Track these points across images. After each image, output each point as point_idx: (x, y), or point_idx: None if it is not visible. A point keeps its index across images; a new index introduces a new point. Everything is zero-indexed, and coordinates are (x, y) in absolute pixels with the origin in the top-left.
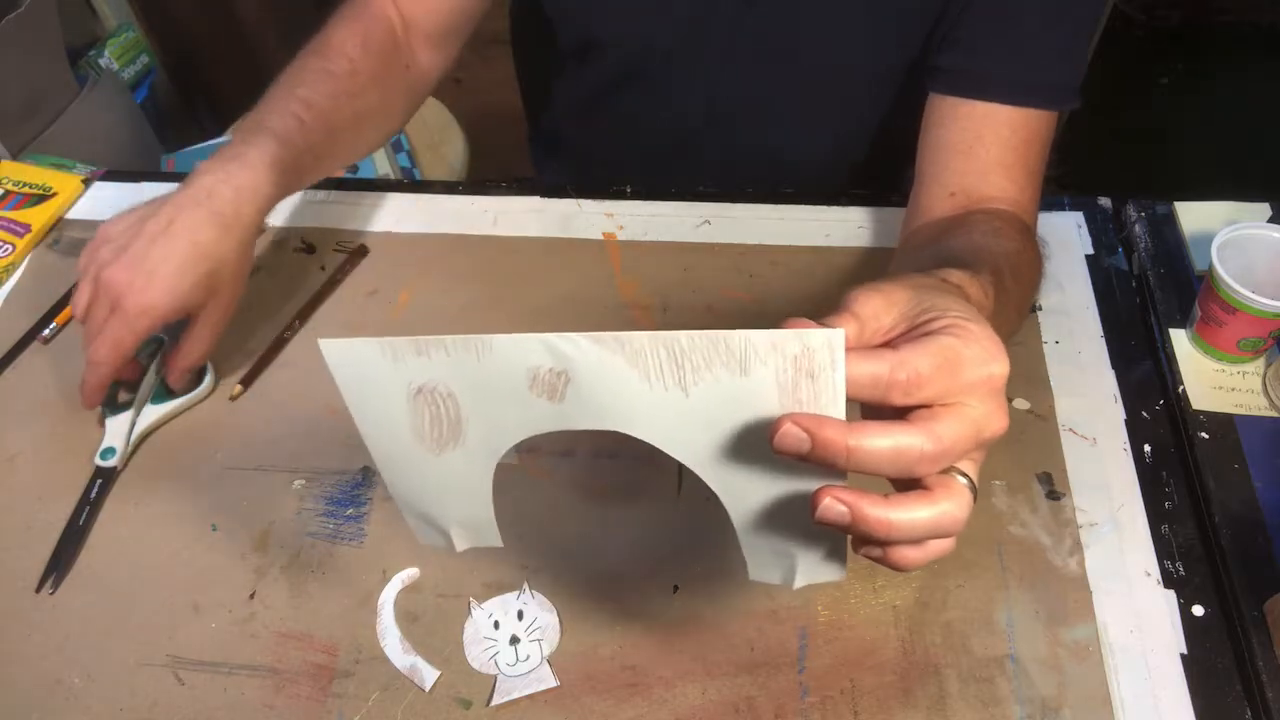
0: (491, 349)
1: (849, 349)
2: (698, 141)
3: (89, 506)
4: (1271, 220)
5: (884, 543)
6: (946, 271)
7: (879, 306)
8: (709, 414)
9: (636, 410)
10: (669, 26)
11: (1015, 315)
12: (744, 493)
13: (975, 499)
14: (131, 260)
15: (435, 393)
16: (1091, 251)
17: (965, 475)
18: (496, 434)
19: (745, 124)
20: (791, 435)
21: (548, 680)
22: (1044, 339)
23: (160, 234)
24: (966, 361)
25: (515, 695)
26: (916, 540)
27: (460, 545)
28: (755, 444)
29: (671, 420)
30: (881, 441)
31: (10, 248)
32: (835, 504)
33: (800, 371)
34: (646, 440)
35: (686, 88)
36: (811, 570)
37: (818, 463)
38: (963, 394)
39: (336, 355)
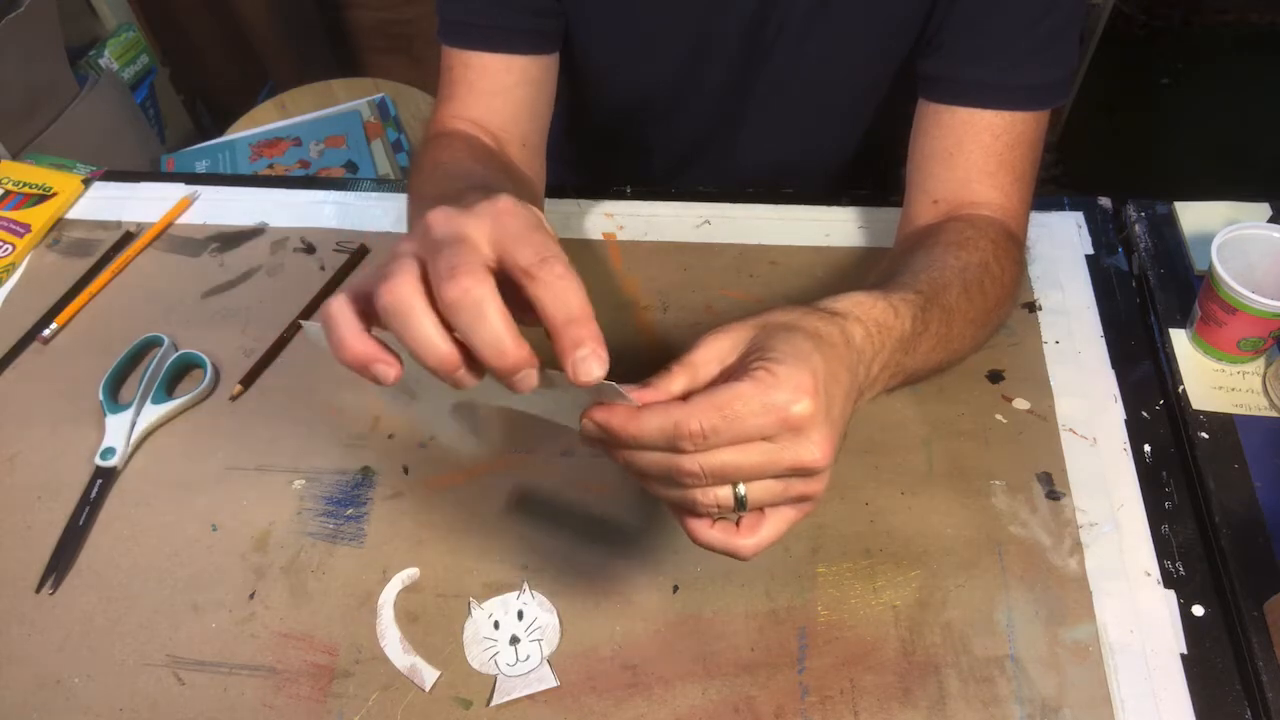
0: None
1: (644, 405)
2: (696, 155)
3: (89, 506)
4: (1271, 220)
5: (628, 446)
6: (835, 299)
7: (724, 349)
8: (575, 402)
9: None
10: (670, 64)
11: (969, 327)
12: None
13: (741, 507)
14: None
15: None
16: (1091, 251)
17: (740, 489)
18: (439, 394)
19: (744, 138)
20: (589, 429)
21: (548, 680)
22: (1044, 339)
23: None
24: (757, 409)
25: (515, 695)
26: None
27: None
28: None
29: (550, 404)
30: (652, 423)
31: (10, 248)
32: (589, 423)
33: None
34: (536, 414)
35: (686, 113)
36: None
37: (613, 447)
38: (759, 435)
39: (316, 334)
